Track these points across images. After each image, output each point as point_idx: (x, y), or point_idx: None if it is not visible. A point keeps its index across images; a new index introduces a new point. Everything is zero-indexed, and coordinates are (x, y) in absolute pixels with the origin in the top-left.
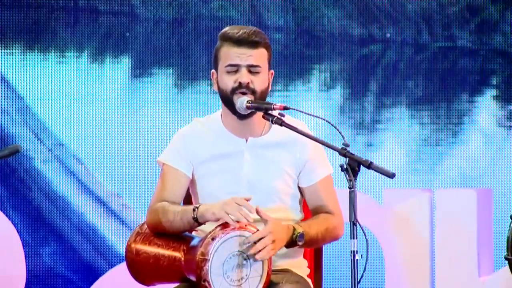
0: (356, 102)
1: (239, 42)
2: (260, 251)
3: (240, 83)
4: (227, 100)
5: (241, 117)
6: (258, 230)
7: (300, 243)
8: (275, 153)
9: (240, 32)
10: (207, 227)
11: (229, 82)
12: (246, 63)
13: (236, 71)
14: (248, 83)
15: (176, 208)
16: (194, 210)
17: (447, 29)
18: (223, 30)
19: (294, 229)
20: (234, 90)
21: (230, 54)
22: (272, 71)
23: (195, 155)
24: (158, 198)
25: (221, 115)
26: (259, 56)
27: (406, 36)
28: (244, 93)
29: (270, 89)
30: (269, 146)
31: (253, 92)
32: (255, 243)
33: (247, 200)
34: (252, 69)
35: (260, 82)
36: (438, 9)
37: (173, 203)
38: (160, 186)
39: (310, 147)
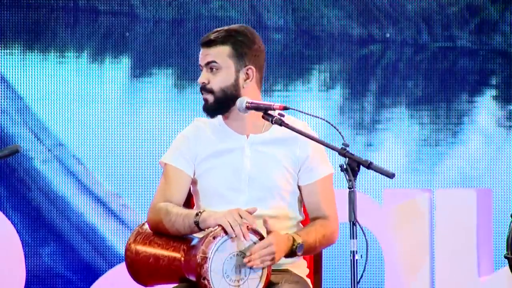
0: (355, 102)
1: (201, 44)
2: (254, 260)
3: (200, 84)
4: None
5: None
6: (258, 231)
7: (299, 254)
8: (275, 149)
9: (206, 34)
10: None
11: None
12: (203, 62)
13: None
14: (204, 83)
15: (180, 210)
16: (197, 214)
17: (447, 29)
18: None
19: (294, 239)
20: (200, 91)
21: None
22: (250, 66)
23: (197, 154)
24: (161, 198)
25: None
26: (216, 53)
27: (405, 36)
28: (203, 93)
29: (246, 84)
30: (269, 142)
31: (210, 91)
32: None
33: (252, 212)
34: (210, 66)
35: (218, 80)
36: (438, 9)
37: (177, 204)
38: (162, 185)
39: (311, 146)
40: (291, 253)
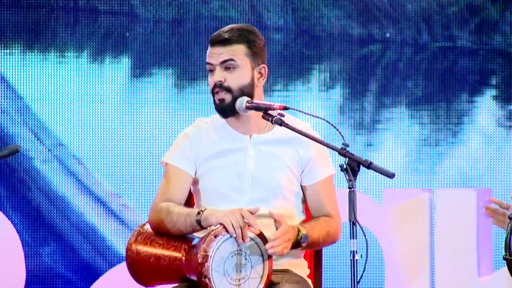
0: (355, 102)
1: (212, 42)
2: (277, 247)
3: (215, 83)
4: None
5: (224, 115)
6: (260, 231)
7: (304, 245)
8: (278, 149)
9: (217, 33)
10: None
11: (210, 84)
12: (218, 61)
13: (213, 72)
14: (221, 81)
15: (181, 209)
16: (199, 213)
17: (447, 29)
18: None
19: (299, 230)
20: (212, 91)
21: (207, 54)
22: (263, 65)
23: (199, 154)
24: (162, 197)
25: None
26: (232, 51)
27: (405, 36)
28: (218, 92)
29: (259, 83)
30: (273, 142)
31: (228, 90)
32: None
33: (254, 213)
34: (226, 65)
35: (236, 78)
36: (438, 9)
37: (178, 204)
38: (164, 185)
39: (314, 146)
40: (296, 244)
